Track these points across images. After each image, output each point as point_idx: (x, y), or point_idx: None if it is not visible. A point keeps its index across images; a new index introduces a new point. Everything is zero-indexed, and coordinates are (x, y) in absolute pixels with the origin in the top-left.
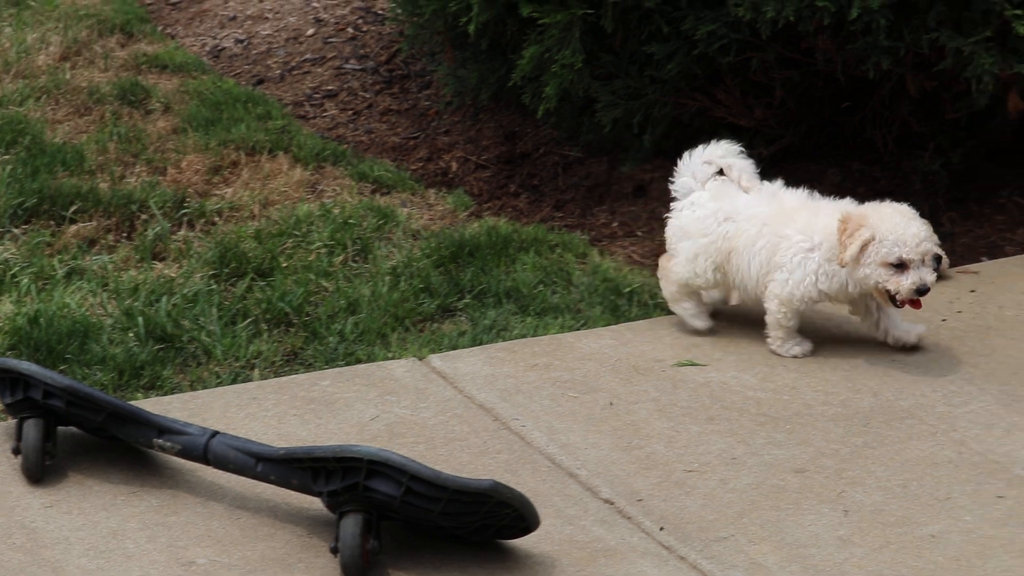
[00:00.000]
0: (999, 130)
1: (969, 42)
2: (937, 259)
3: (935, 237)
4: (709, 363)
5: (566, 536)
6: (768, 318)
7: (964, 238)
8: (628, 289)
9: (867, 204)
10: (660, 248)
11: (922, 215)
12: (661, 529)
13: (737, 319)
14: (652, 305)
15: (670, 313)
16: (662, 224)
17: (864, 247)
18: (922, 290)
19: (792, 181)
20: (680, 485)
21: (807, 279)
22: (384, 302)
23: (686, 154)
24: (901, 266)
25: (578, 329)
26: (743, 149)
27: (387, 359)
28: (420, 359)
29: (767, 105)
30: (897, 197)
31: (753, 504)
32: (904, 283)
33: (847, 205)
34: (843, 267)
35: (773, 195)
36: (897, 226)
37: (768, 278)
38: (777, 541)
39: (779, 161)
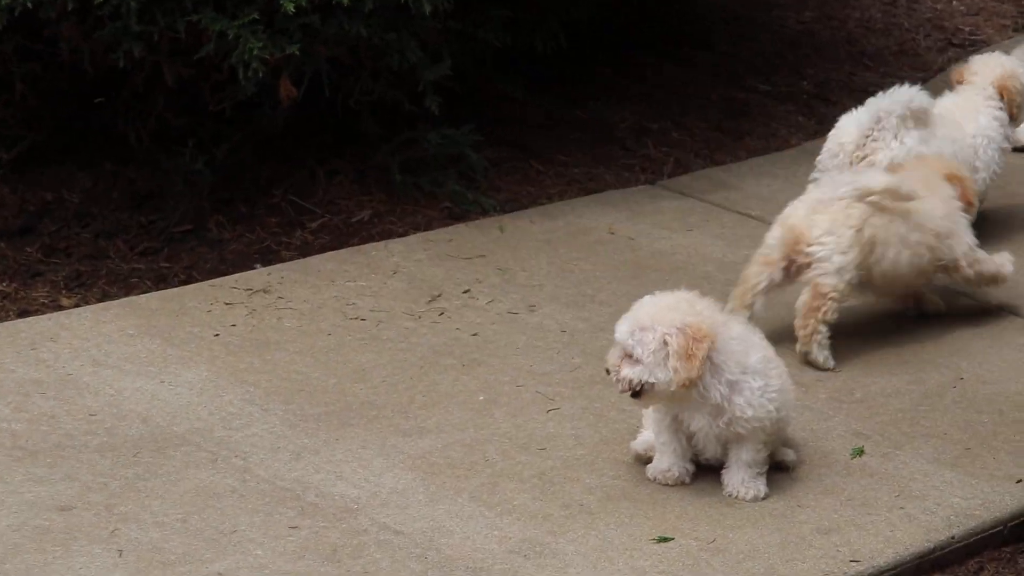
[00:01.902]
0: (269, 121)
1: (235, 25)
2: None
3: None
4: None
5: None
6: None
7: (235, 244)
8: None
9: None
10: None
11: (184, 220)
12: None
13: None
14: None
15: None
16: None
17: None
18: None
19: (38, 187)
20: None
21: None
22: None
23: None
24: None
25: None
26: None
27: None
28: None
29: (7, 103)
30: (159, 200)
31: (16, 547)
32: None
33: None
34: None
35: None
36: None
37: None
38: None
39: (24, 165)
